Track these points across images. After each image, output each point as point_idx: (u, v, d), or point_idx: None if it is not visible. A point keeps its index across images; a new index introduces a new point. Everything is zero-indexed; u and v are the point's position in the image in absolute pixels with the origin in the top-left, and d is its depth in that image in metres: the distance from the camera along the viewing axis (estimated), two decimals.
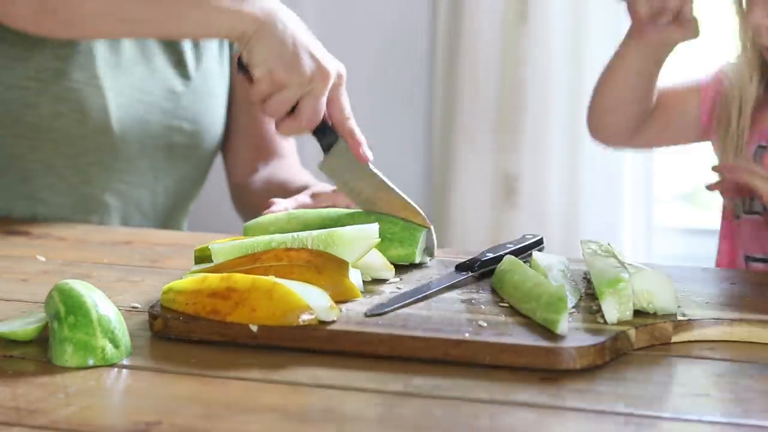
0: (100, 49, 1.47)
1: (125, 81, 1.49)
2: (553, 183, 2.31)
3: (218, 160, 1.69)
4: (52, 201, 1.50)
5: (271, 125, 1.59)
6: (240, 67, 1.25)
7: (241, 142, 1.64)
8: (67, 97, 1.44)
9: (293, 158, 1.65)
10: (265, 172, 1.60)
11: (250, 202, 1.59)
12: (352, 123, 1.23)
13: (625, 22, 1.50)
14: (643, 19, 1.43)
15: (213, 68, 1.58)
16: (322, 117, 1.23)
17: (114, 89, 1.47)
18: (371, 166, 1.23)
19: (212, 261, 1.08)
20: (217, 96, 1.59)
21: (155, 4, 1.25)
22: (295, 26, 1.24)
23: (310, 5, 2.45)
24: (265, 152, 1.63)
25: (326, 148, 1.24)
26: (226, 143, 1.65)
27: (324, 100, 1.22)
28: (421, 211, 1.19)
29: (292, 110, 1.23)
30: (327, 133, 1.25)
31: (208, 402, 0.85)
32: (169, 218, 1.60)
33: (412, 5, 2.44)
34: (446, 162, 2.40)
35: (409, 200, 1.19)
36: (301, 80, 1.21)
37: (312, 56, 1.22)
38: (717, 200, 1.58)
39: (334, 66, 1.23)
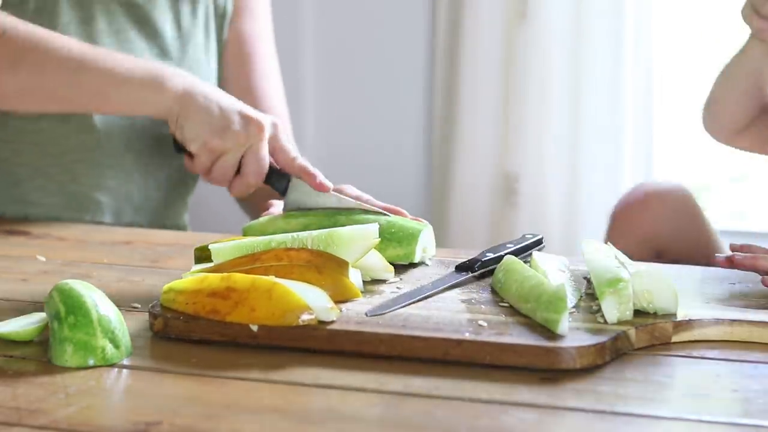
0: None
1: None
2: (553, 183, 2.31)
3: None
4: (42, 202, 1.50)
5: (269, 99, 1.60)
6: (176, 146, 1.29)
7: None
8: None
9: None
10: None
11: (252, 195, 1.60)
12: (301, 161, 1.25)
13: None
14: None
15: (199, 57, 1.58)
16: (267, 169, 1.25)
17: None
18: (333, 194, 1.24)
19: (212, 260, 1.08)
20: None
21: (78, 84, 1.30)
22: (216, 94, 1.27)
23: (310, 5, 2.46)
24: None
25: (283, 191, 1.26)
26: None
27: (264, 152, 1.25)
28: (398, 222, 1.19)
29: (238, 170, 1.26)
30: (279, 178, 1.27)
31: (208, 402, 0.85)
32: (165, 212, 1.60)
33: (412, 5, 2.44)
34: (446, 162, 2.40)
35: (383, 212, 1.20)
36: (237, 141, 1.23)
37: (241, 115, 1.25)
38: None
39: (265, 118, 1.26)
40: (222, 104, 1.25)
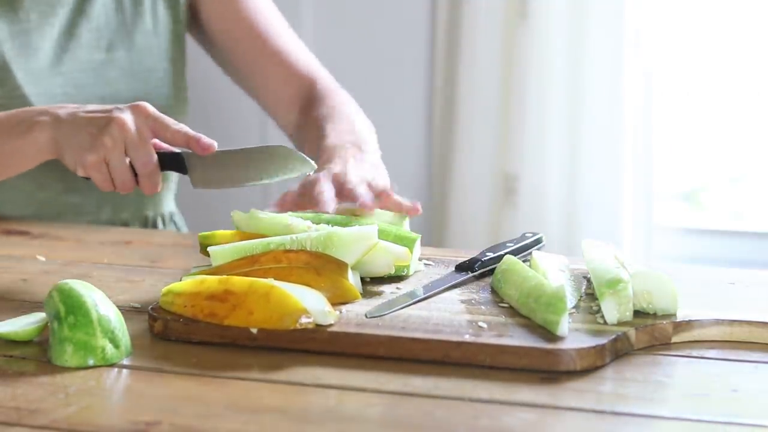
0: (15, 61, 1.45)
1: (52, 81, 1.48)
2: (553, 183, 2.31)
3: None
4: (14, 214, 1.49)
5: (289, 51, 1.58)
6: (84, 177, 1.25)
7: (270, 83, 1.60)
8: None
9: (326, 83, 1.60)
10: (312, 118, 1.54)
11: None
12: (183, 129, 1.20)
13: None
14: None
15: (148, 44, 1.56)
16: (154, 155, 1.20)
17: (42, 94, 1.46)
18: (227, 149, 1.20)
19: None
20: (157, 71, 1.57)
21: None
22: (73, 111, 1.24)
23: (310, 5, 2.45)
24: (299, 81, 1.59)
25: (184, 169, 1.22)
26: (259, 98, 1.62)
27: (141, 141, 1.19)
28: (299, 153, 1.18)
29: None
30: (170, 159, 1.22)
31: (208, 402, 0.85)
32: (146, 202, 1.58)
33: (411, 5, 2.44)
34: (446, 162, 2.40)
35: (275, 145, 1.18)
36: (107, 147, 1.19)
37: (96, 121, 1.21)
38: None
39: (124, 110, 1.21)
40: (78, 122, 1.22)
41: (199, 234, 1.13)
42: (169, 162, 1.22)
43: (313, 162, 1.19)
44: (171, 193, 1.65)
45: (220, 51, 1.62)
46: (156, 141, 1.22)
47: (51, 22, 1.49)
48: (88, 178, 1.24)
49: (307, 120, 1.52)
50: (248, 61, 1.59)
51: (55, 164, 1.47)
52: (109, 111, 1.21)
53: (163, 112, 1.55)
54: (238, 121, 2.12)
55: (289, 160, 1.18)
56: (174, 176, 1.63)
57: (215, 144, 1.19)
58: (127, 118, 1.20)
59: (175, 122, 1.21)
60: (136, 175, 1.21)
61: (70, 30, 1.51)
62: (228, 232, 1.13)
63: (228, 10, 1.59)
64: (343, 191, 1.22)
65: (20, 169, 1.30)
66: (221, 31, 1.60)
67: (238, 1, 1.59)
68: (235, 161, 1.20)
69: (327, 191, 1.21)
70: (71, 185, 1.51)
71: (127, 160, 1.20)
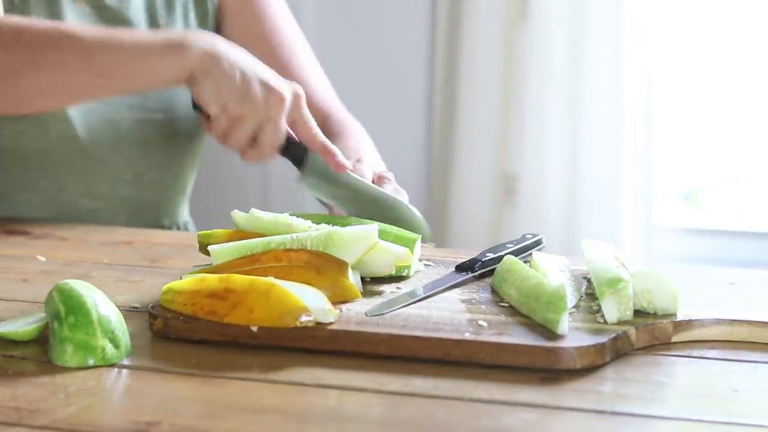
0: None
1: None
2: (553, 183, 2.31)
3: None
4: (32, 215, 1.50)
5: (307, 77, 1.59)
6: (195, 108, 1.28)
7: None
8: (25, 115, 1.44)
9: (341, 115, 1.61)
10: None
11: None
12: (322, 138, 1.25)
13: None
14: None
15: None
16: (284, 140, 1.25)
17: None
18: (351, 174, 1.23)
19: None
20: None
21: (99, 68, 1.27)
22: (242, 59, 1.25)
23: (310, 5, 2.45)
24: (314, 112, 1.60)
25: (298, 164, 1.26)
26: None
27: (282, 123, 1.24)
28: (411, 208, 1.19)
29: (256, 138, 1.25)
30: (296, 151, 1.26)
31: (208, 402, 0.85)
32: (161, 212, 1.59)
33: (411, 5, 2.44)
34: (446, 162, 2.40)
35: (397, 199, 1.19)
36: (256, 109, 1.22)
37: (263, 84, 1.23)
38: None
39: (288, 88, 1.24)
40: (246, 70, 1.23)
41: (199, 233, 1.13)
42: (293, 151, 1.25)
43: (429, 233, 1.21)
44: (186, 201, 1.66)
45: None
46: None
47: (82, 23, 1.49)
48: (200, 111, 1.26)
49: None
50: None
51: (77, 168, 1.47)
52: (275, 80, 1.24)
53: (186, 123, 1.56)
54: None
55: (408, 223, 1.18)
56: (189, 184, 1.64)
57: (349, 165, 1.24)
58: (288, 98, 1.23)
59: (317, 127, 1.25)
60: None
61: None
62: (227, 230, 1.13)
63: (251, 32, 1.59)
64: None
65: (150, 82, 1.29)
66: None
67: (264, 23, 1.59)
68: (353, 189, 1.23)
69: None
70: (91, 190, 1.51)
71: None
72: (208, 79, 1.23)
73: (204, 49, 1.24)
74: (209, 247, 1.08)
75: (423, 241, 1.19)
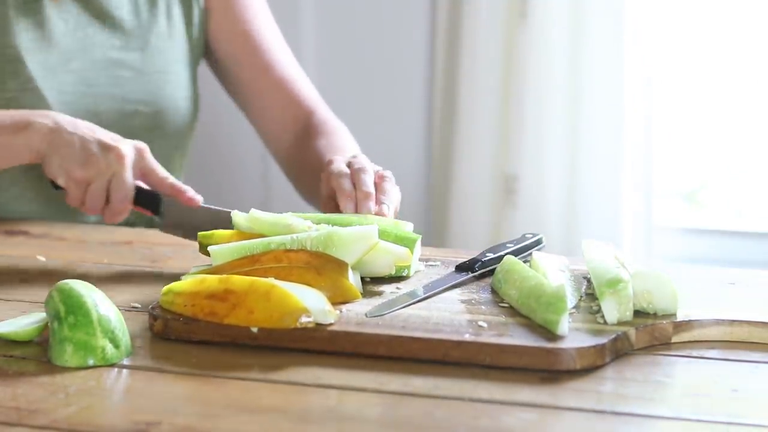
0: (30, 53, 1.46)
1: (64, 78, 1.49)
2: (553, 183, 2.31)
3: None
4: (22, 210, 1.50)
5: (290, 78, 1.60)
6: (53, 184, 1.31)
7: (268, 107, 1.62)
8: (7, 107, 1.44)
9: (324, 114, 1.61)
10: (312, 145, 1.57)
11: (306, 181, 1.57)
12: (171, 180, 1.28)
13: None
14: None
15: (162, 46, 1.56)
16: (132, 193, 1.27)
17: (54, 88, 1.47)
18: (208, 206, 1.26)
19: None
20: (169, 73, 1.58)
21: None
22: (81, 128, 1.29)
23: (310, 5, 2.45)
24: (298, 109, 1.60)
25: (156, 212, 1.29)
26: (255, 122, 1.64)
27: (126, 177, 1.26)
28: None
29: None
30: (150, 200, 1.29)
31: (208, 402, 0.85)
32: None
33: (412, 5, 2.44)
34: (446, 162, 2.40)
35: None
36: (98, 169, 1.26)
37: (101, 144, 1.27)
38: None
39: (128, 144, 1.28)
40: (85, 136, 1.28)
41: (199, 233, 1.13)
42: (145, 199, 1.29)
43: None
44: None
45: (222, 69, 1.64)
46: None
47: (66, 18, 1.49)
48: (56, 188, 1.30)
49: (305, 151, 1.54)
50: (249, 84, 1.61)
51: None
52: (113, 140, 1.28)
53: (172, 116, 1.58)
54: (247, 131, 2.12)
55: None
56: (179, 178, 1.64)
57: (201, 199, 1.27)
58: (128, 152, 1.27)
59: (165, 171, 1.28)
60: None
61: (85, 28, 1.51)
62: (227, 231, 1.13)
63: (235, 34, 1.61)
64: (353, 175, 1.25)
65: (6, 164, 1.33)
66: (226, 51, 1.62)
67: (245, 23, 1.61)
68: (215, 218, 1.24)
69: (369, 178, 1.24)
70: None
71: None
72: (53, 153, 1.28)
73: (47, 126, 1.29)
74: (209, 248, 1.08)
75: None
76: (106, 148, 1.26)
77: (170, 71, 1.57)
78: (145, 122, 1.55)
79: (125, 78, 1.54)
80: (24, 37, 1.46)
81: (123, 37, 1.54)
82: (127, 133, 1.53)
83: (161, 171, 1.28)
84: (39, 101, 1.46)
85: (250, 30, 1.60)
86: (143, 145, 1.29)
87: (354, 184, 1.23)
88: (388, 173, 1.27)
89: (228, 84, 1.65)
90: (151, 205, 1.29)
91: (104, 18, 1.52)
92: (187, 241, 1.35)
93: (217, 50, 1.63)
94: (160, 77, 1.56)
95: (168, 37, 1.57)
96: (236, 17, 1.61)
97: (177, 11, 1.58)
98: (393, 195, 1.24)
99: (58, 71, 1.49)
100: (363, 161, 1.28)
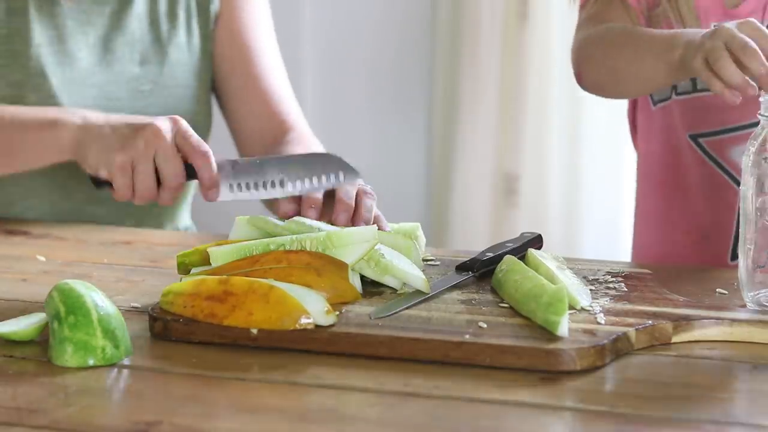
0: (52, 67, 1.46)
1: (86, 92, 1.48)
2: (553, 183, 2.31)
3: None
4: (37, 220, 1.50)
5: (277, 93, 1.59)
6: (95, 183, 1.26)
7: (249, 116, 1.61)
8: None
9: (303, 130, 1.59)
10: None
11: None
12: (201, 153, 1.21)
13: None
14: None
15: (181, 59, 1.56)
16: (182, 168, 1.21)
17: (76, 103, 1.46)
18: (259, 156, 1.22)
19: (195, 267, 1.07)
20: (188, 87, 1.57)
21: None
22: (108, 118, 1.27)
23: (310, 4, 2.45)
24: (278, 122, 1.59)
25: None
26: (232, 125, 1.64)
27: (171, 151, 1.21)
28: (326, 153, 1.19)
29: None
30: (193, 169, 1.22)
31: (208, 402, 0.85)
32: (164, 217, 1.59)
33: (412, 5, 2.44)
34: (446, 162, 2.40)
35: (306, 154, 1.19)
36: (139, 150, 1.20)
37: (134, 126, 1.22)
38: None
39: (161, 118, 1.23)
40: (113, 124, 1.25)
41: (178, 254, 1.11)
42: (193, 173, 1.22)
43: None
44: (188, 207, 1.66)
45: (214, 68, 1.62)
46: None
47: (86, 32, 1.49)
48: (104, 186, 1.25)
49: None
50: (236, 90, 1.60)
51: (81, 174, 1.47)
52: (143, 120, 1.24)
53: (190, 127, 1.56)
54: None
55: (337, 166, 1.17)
56: (191, 190, 1.63)
57: (216, 198, 1.21)
58: (163, 125, 1.21)
59: (199, 141, 1.21)
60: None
61: (106, 42, 1.50)
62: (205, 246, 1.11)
63: (235, 41, 1.59)
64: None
65: (38, 163, 1.32)
66: (222, 55, 1.60)
67: (247, 32, 1.59)
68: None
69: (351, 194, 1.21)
70: (95, 196, 1.51)
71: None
72: (87, 147, 1.25)
73: (75, 123, 1.27)
74: (209, 249, 1.07)
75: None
76: (139, 127, 1.22)
77: (189, 84, 1.57)
78: None
79: (145, 92, 1.53)
80: (46, 50, 1.46)
81: (143, 50, 1.53)
82: None
83: (195, 140, 1.22)
84: None
85: (249, 39, 1.59)
86: (178, 117, 1.24)
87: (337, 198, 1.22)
88: (369, 189, 1.25)
89: (214, 81, 1.64)
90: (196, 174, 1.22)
91: (124, 34, 1.51)
92: (186, 242, 1.35)
93: (214, 53, 1.62)
94: (178, 90, 1.56)
95: (187, 50, 1.57)
96: (239, 25, 1.59)
97: (195, 24, 1.58)
98: (371, 210, 1.23)
99: (79, 85, 1.48)
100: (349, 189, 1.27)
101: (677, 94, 1.38)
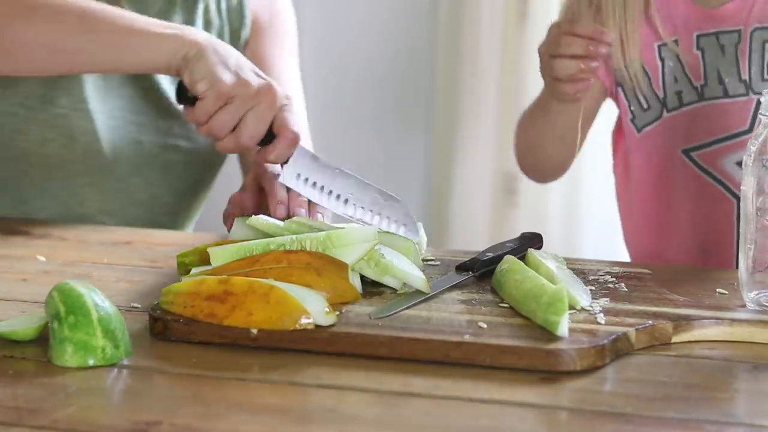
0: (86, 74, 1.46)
1: (115, 103, 1.48)
2: (553, 183, 2.31)
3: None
4: (47, 222, 1.50)
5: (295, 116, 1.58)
6: (180, 94, 1.24)
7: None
8: (54, 123, 1.43)
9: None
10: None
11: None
12: (293, 136, 1.22)
13: None
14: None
15: None
16: (263, 134, 1.21)
17: (104, 112, 1.46)
18: (340, 167, 1.22)
19: (194, 267, 1.07)
20: None
21: (91, 34, 1.26)
22: (235, 51, 1.25)
23: (310, 4, 2.46)
24: None
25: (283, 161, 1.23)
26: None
27: (267, 114, 1.21)
28: (398, 199, 1.19)
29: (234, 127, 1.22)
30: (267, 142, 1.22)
31: (208, 402, 0.85)
32: (176, 225, 1.59)
33: (412, 5, 2.44)
34: (446, 162, 2.40)
35: (382, 190, 1.19)
36: (247, 91, 1.20)
37: (256, 72, 1.22)
38: None
39: (280, 86, 1.23)
40: (239, 58, 1.23)
41: (177, 254, 1.12)
42: (266, 142, 1.22)
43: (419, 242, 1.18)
44: (193, 223, 1.66)
45: None
46: None
47: None
48: (186, 102, 1.23)
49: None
50: None
51: (97, 183, 1.47)
52: (264, 75, 1.23)
53: (208, 154, 1.56)
54: None
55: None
56: (200, 210, 1.63)
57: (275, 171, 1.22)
58: (280, 93, 1.21)
59: (296, 127, 1.22)
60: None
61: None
62: (205, 246, 1.11)
63: (256, 64, 1.58)
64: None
65: (139, 62, 1.27)
66: None
67: (268, 59, 1.57)
68: (341, 179, 1.21)
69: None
70: (108, 207, 1.51)
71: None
72: (201, 61, 1.22)
73: (199, 38, 1.24)
74: (209, 249, 1.07)
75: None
76: (260, 76, 1.21)
77: None
78: (182, 157, 1.53)
79: (173, 110, 1.52)
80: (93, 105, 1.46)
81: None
82: (165, 166, 1.52)
83: (292, 121, 1.22)
84: (87, 123, 1.45)
85: (272, 66, 1.57)
86: (291, 96, 1.25)
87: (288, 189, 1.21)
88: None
89: None
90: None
91: None
92: (186, 242, 1.35)
93: None
94: None
95: None
96: (262, 53, 1.58)
97: (227, 37, 1.56)
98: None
99: (110, 95, 1.48)
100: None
101: (668, 111, 1.40)
